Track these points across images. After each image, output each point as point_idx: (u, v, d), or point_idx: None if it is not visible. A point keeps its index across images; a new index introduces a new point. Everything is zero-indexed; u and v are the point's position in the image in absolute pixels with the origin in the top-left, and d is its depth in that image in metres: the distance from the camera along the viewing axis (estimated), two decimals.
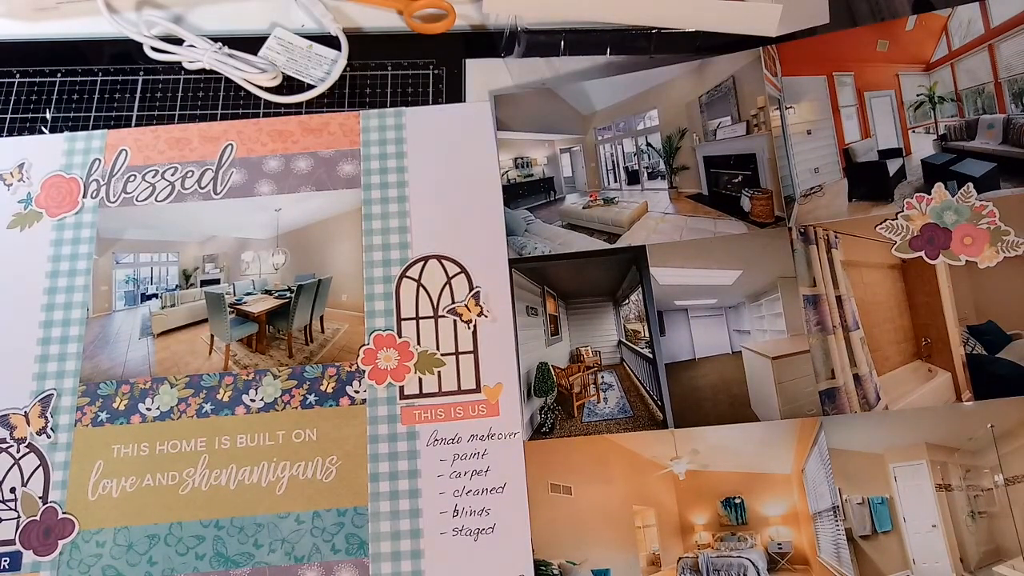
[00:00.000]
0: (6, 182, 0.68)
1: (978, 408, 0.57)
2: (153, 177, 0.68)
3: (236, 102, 0.72)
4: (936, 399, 0.58)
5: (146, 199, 0.67)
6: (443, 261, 0.65)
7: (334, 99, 0.72)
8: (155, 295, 0.65)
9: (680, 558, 0.58)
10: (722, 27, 0.68)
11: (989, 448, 0.56)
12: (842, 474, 0.57)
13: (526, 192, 0.69)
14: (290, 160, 0.68)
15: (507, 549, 0.58)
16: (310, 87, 0.72)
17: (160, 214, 0.67)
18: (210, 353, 0.63)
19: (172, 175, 0.68)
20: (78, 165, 0.68)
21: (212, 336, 0.64)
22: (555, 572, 0.58)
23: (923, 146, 0.62)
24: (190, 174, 0.68)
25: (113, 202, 0.67)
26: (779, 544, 0.57)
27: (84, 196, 0.67)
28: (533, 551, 0.58)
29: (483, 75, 0.73)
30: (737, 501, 0.58)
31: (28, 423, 0.60)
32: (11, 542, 0.58)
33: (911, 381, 0.59)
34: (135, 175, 0.68)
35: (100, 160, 0.69)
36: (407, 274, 0.65)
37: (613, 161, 0.69)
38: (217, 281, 0.65)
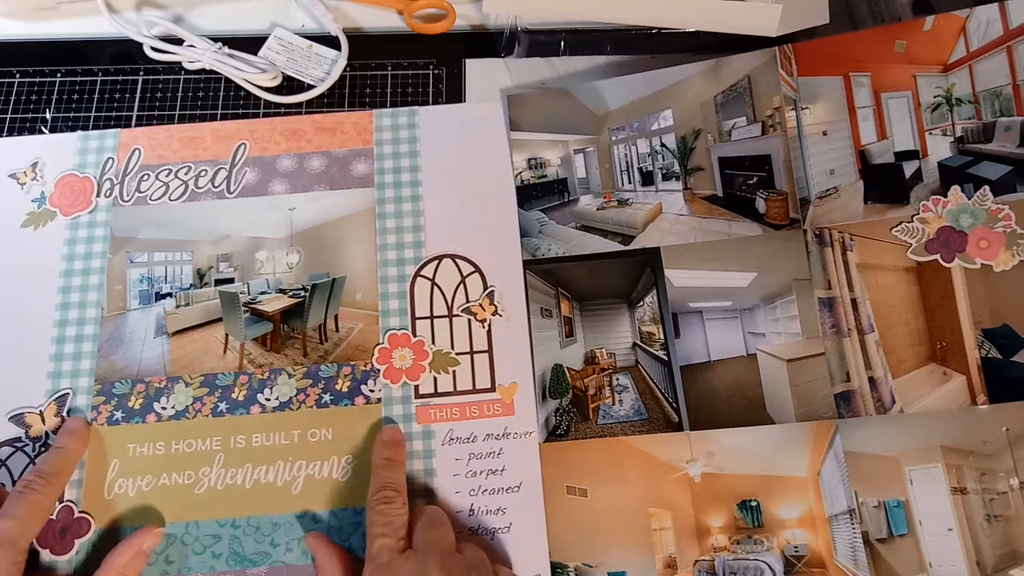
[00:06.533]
0: (20, 181, 0.68)
1: (993, 411, 0.57)
2: (167, 176, 0.68)
3: (236, 102, 0.72)
4: (951, 402, 0.58)
5: (160, 198, 0.67)
6: (457, 260, 0.65)
7: (334, 99, 0.72)
8: (169, 294, 0.65)
9: (696, 561, 0.58)
10: (722, 27, 0.68)
11: (1004, 451, 0.56)
12: (858, 477, 0.57)
13: (540, 193, 0.68)
14: (303, 159, 0.68)
15: (523, 548, 0.58)
16: (310, 87, 0.72)
17: (174, 213, 0.67)
18: (225, 352, 0.63)
19: (186, 174, 0.68)
20: (92, 164, 0.68)
21: (227, 335, 0.64)
22: (571, 574, 0.58)
23: (940, 148, 0.62)
24: (203, 173, 0.68)
25: (127, 201, 0.67)
26: (795, 547, 0.57)
27: (98, 195, 0.67)
28: (549, 553, 0.58)
29: (483, 75, 0.73)
30: (753, 504, 0.58)
31: (44, 422, 0.60)
32: None
33: (926, 384, 0.59)
34: (148, 174, 0.68)
35: (113, 159, 0.68)
36: (421, 273, 0.65)
37: (627, 162, 0.69)
38: (231, 280, 0.65)
